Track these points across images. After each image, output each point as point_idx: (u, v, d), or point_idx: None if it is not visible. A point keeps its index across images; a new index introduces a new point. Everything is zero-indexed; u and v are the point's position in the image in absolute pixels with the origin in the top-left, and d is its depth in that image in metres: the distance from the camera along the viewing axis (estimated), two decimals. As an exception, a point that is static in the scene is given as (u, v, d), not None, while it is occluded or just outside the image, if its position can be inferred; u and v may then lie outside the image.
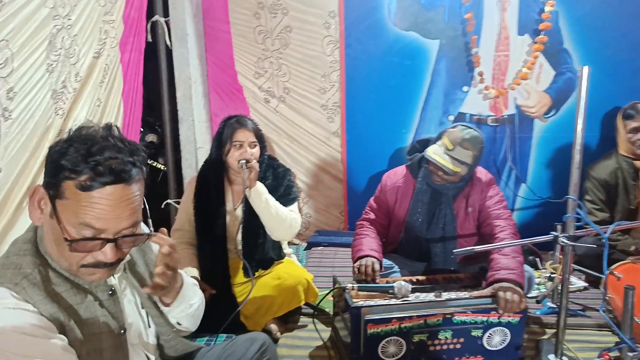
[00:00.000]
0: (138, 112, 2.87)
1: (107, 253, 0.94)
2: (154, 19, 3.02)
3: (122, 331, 1.07)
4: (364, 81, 3.11)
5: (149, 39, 3.02)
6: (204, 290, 2.08)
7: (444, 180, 2.05)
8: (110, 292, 1.06)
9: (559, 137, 3.00)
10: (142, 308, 1.16)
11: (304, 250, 3.22)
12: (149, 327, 1.18)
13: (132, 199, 0.94)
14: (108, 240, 0.93)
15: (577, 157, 1.71)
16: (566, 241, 1.68)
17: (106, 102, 2.46)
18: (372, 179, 3.27)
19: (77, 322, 0.98)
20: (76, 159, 0.89)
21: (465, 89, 3.01)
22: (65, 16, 2.04)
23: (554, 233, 1.73)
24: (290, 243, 3.25)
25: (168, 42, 3.05)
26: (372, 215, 2.27)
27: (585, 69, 1.67)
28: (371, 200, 2.33)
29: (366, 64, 3.08)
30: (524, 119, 3.03)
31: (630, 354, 1.41)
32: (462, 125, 2.04)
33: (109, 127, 0.96)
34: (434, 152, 2.01)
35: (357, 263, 2.02)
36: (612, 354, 1.45)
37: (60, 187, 0.90)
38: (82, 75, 2.22)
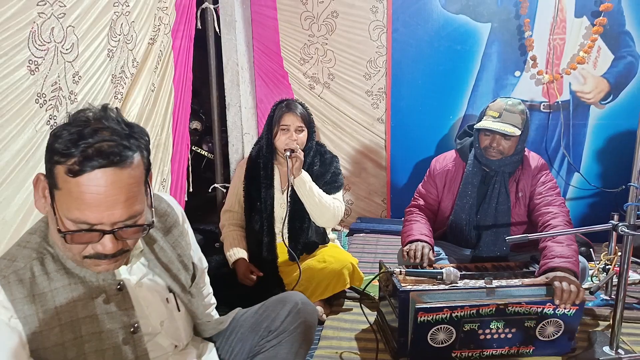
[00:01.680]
0: (188, 98, 2.95)
1: (105, 245, 0.89)
2: (203, 5, 3.08)
3: (132, 328, 1.00)
4: (410, 66, 3.07)
5: (199, 25, 3.08)
6: (252, 273, 2.16)
7: (500, 154, 2.01)
8: (119, 287, 1.00)
9: (616, 124, 2.87)
10: (170, 292, 1.11)
11: (346, 236, 3.24)
12: (179, 310, 1.13)
13: (128, 185, 0.87)
14: (104, 232, 0.87)
15: (641, 143, 1.63)
16: (626, 230, 1.61)
17: (159, 87, 2.54)
18: (417, 166, 3.24)
19: (73, 321, 0.92)
20: (67, 142, 0.84)
21: (517, 73, 2.92)
22: (124, 3, 2.11)
23: (612, 222, 1.67)
24: (332, 229, 3.28)
25: (217, 29, 3.11)
26: (421, 202, 2.26)
27: (654, 51, 1.58)
28: (420, 186, 2.31)
29: (413, 48, 3.03)
30: (579, 105, 2.91)
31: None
32: (501, 97, 2.06)
33: (104, 108, 0.90)
34: (484, 124, 2.00)
35: (407, 247, 2.01)
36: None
37: (53, 174, 0.86)
38: (138, 60, 2.30)
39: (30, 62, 1.53)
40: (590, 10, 2.74)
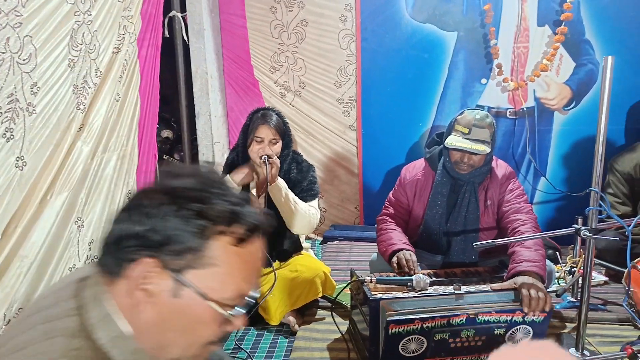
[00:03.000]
0: (155, 107, 2.90)
1: (241, 318, 0.74)
2: (171, 14, 3.04)
3: None
4: (380, 74, 3.10)
5: (166, 34, 3.04)
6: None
7: (470, 167, 2.03)
8: None
9: (579, 130, 2.95)
10: None
11: (320, 244, 3.23)
12: None
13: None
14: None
15: (600, 149, 1.68)
16: (588, 234, 1.65)
17: (124, 97, 2.49)
18: (389, 173, 3.26)
19: None
20: (216, 206, 0.69)
21: (483, 81, 2.98)
22: (85, 12, 2.07)
23: (575, 226, 1.71)
24: (306, 237, 3.26)
25: (185, 37, 3.07)
26: (392, 210, 2.27)
27: (610, 59, 1.63)
28: (390, 194, 2.32)
29: (382, 57, 3.06)
30: (544, 111, 2.98)
31: (655, 348, 1.39)
32: (468, 110, 2.06)
33: (211, 164, 0.80)
34: (454, 141, 1.99)
35: (395, 257, 2.00)
36: (636, 348, 1.43)
37: (203, 252, 0.68)
38: (102, 70, 2.25)
39: (-17, 73, 1.47)
40: (552, 20, 2.82)
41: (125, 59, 2.47)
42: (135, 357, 0.70)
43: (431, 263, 2.20)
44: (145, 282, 0.67)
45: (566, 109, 2.96)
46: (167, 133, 3.89)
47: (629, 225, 1.62)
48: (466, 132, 1.98)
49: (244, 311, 0.74)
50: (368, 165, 3.29)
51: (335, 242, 3.19)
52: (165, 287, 0.68)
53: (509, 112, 3.01)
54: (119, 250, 0.68)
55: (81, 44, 2.07)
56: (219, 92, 3.23)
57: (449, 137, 2.03)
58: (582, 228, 1.68)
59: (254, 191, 2.27)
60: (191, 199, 0.68)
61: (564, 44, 2.84)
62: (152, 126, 2.96)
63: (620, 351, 1.52)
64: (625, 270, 2.06)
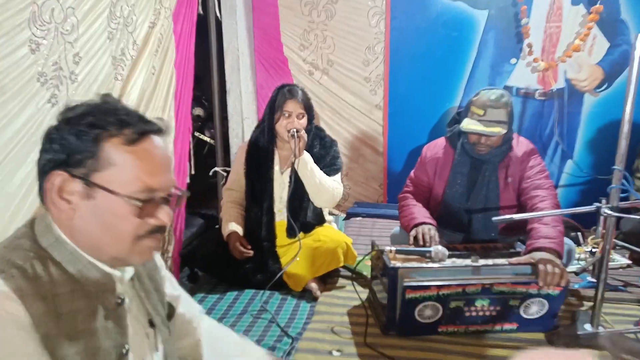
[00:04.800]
0: (190, 82, 2.99)
1: (167, 212, 0.86)
2: (205, -9, 3.11)
3: (124, 350, 0.88)
4: (408, 53, 3.10)
5: (200, 11, 3.11)
6: (244, 246, 2.24)
7: (488, 148, 2.04)
8: (119, 302, 0.89)
9: (610, 112, 2.90)
10: (151, 327, 0.97)
11: (343, 220, 3.29)
12: (157, 350, 0.98)
13: (168, 151, 0.89)
14: (164, 199, 0.86)
15: (625, 127, 1.68)
16: (609, 212, 1.66)
17: (160, 70, 2.58)
18: (413, 152, 3.28)
19: (72, 332, 0.80)
20: (106, 117, 0.81)
21: (513, 61, 2.95)
22: (124, -14, 2.15)
23: (597, 204, 1.72)
24: (330, 213, 3.34)
25: (218, 14, 3.14)
26: (413, 188, 2.31)
27: None
28: (411, 173, 2.36)
29: (412, 35, 3.06)
30: (574, 93, 2.94)
31: (669, 323, 1.41)
32: (484, 90, 2.05)
33: (103, 95, 0.88)
34: (468, 124, 2.01)
35: (414, 231, 2.04)
36: (650, 323, 1.46)
37: (99, 154, 0.80)
38: (138, 43, 2.35)
39: (31, 41, 1.58)
40: (587, -2, 2.76)
41: (161, 33, 2.55)
42: (73, 256, 0.83)
43: (451, 239, 2.24)
44: (62, 193, 0.81)
45: (597, 90, 2.90)
46: (198, 111, 3.99)
47: (651, 204, 1.62)
48: (481, 114, 1.98)
49: (162, 203, 0.85)
50: (393, 144, 3.32)
51: (358, 218, 3.26)
52: (79, 193, 0.81)
53: (538, 93, 2.97)
54: (42, 178, 0.83)
55: (119, 17, 2.16)
56: (250, 69, 3.31)
57: (465, 120, 2.04)
58: (604, 206, 1.69)
59: (277, 167, 2.34)
60: (83, 116, 0.81)
61: (598, 23, 2.77)
62: (187, 101, 3.05)
63: (634, 326, 1.54)
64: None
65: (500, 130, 1.97)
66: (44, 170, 0.82)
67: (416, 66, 3.12)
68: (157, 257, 1.11)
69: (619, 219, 1.72)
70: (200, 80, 3.40)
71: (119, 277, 0.90)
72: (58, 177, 0.80)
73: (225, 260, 2.25)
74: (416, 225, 2.07)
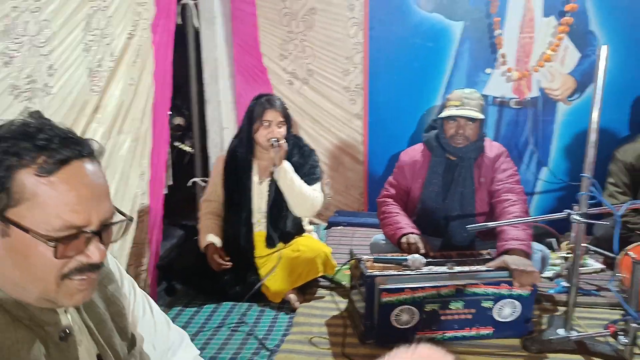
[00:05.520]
0: (168, 92, 2.98)
1: (97, 248, 0.75)
2: (183, 1, 3.12)
3: None
4: (387, 63, 3.14)
5: (179, 21, 3.12)
6: (221, 258, 2.23)
7: (465, 140, 2.12)
8: (63, 335, 0.79)
9: (582, 120, 2.96)
10: None
11: (324, 229, 3.31)
12: None
13: (103, 177, 0.77)
14: (94, 234, 0.74)
15: (592, 135, 1.73)
16: (578, 218, 1.71)
17: (139, 81, 2.58)
18: (393, 161, 3.31)
19: None
20: (22, 141, 0.70)
21: (488, 70, 3.01)
22: (100, -2, 2.15)
23: (567, 211, 1.76)
24: (311, 222, 3.35)
25: (196, 24, 3.15)
26: (392, 191, 2.35)
27: (604, 48, 1.68)
28: (390, 177, 2.41)
29: (390, 45, 3.11)
30: (548, 101, 3.01)
31: (635, 325, 1.45)
32: (457, 89, 2.21)
33: (31, 113, 0.77)
34: (450, 112, 2.11)
35: (404, 239, 2.08)
36: (618, 326, 1.49)
37: (11, 188, 0.69)
38: (116, 55, 2.34)
39: (4, 54, 1.57)
40: (558, 10, 2.84)
41: (140, 44, 2.55)
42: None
43: (430, 246, 2.27)
44: None
45: (570, 99, 2.98)
46: (178, 120, 3.98)
47: (618, 211, 1.67)
48: (458, 104, 2.10)
49: (92, 237, 0.74)
50: (373, 153, 3.35)
51: (339, 227, 3.27)
52: None
53: (513, 102, 3.04)
54: None
55: (96, 29, 2.16)
56: (229, 79, 3.31)
57: (443, 112, 2.14)
58: (573, 213, 1.73)
59: (255, 177, 2.35)
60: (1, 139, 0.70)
61: (569, 34, 2.85)
62: (165, 111, 3.04)
63: (604, 329, 1.58)
64: (617, 257, 2.11)
65: (478, 114, 2.08)
66: None
67: (395, 76, 3.16)
68: (128, 279, 1.01)
69: (589, 224, 1.77)
70: (179, 89, 3.40)
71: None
72: None
73: (203, 273, 2.24)
74: (404, 235, 2.10)
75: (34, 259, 0.72)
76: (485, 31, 2.95)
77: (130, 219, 0.81)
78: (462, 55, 3.02)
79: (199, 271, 2.26)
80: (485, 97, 3.04)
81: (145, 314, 1.02)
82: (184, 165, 3.59)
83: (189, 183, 3.32)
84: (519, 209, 2.01)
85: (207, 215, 2.39)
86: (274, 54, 3.30)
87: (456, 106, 2.10)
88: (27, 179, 0.70)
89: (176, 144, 3.70)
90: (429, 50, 3.05)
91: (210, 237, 2.29)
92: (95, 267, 0.76)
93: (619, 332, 1.50)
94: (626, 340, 1.48)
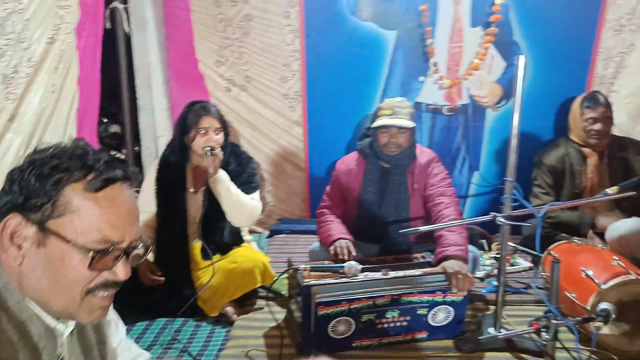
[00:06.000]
0: (95, 100, 2.85)
1: (124, 267, 0.81)
2: (112, 5, 2.99)
3: None
4: (324, 70, 3.16)
5: (108, 25, 2.99)
6: (153, 273, 2.14)
7: (398, 148, 2.17)
8: None
9: (509, 126, 3.10)
10: None
11: (267, 238, 3.27)
12: None
13: (136, 201, 0.85)
14: (125, 252, 0.81)
15: (514, 141, 1.82)
16: (503, 220, 1.78)
17: (61, 88, 2.44)
18: (334, 166, 3.32)
19: None
20: (72, 162, 0.77)
21: (421, 78, 3.10)
22: (16, 0, 2.02)
23: (493, 213, 1.83)
24: (253, 231, 3.30)
25: (127, 29, 3.03)
26: (329, 202, 2.36)
27: (522, 58, 1.77)
28: (327, 188, 2.42)
29: (326, 53, 3.12)
30: (477, 108, 3.14)
31: (555, 322, 1.52)
32: (388, 98, 2.28)
33: (77, 139, 0.85)
34: (381, 121, 2.15)
35: (333, 247, 2.09)
36: (541, 323, 1.57)
37: (58, 200, 0.75)
38: (35, 60, 2.20)
39: None
40: (484, 21, 2.97)
41: (62, 50, 2.42)
42: (20, 305, 0.78)
43: (368, 252, 2.30)
44: (15, 237, 0.76)
45: (497, 106, 3.13)
46: (115, 128, 3.80)
47: (539, 212, 1.75)
48: (389, 113, 2.15)
49: (121, 256, 0.80)
50: (314, 159, 3.36)
51: (281, 235, 3.24)
52: (31, 239, 0.76)
53: (446, 109, 3.15)
54: None
55: (11, 33, 2.02)
56: (163, 85, 3.21)
57: (376, 121, 2.18)
58: (498, 215, 1.80)
59: (190, 186, 2.28)
60: (49, 159, 0.77)
61: (494, 44, 2.99)
62: (93, 119, 2.90)
63: (528, 326, 1.65)
64: (542, 255, 2.23)
65: (409, 123, 2.13)
66: (1, 212, 0.77)
67: (332, 83, 3.18)
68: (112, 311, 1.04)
69: (514, 225, 1.85)
70: (116, 95, 3.25)
71: (61, 332, 0.84)
72: (12, 220, 0.76)
73: (135, 288, 2.13)
74: (334, 241, 2.10)
75: (66, 270, 0.76)
76: (418, 40, 3.04)
77: (150, 245, 0.88)
78: (396, 64, 3.09)
79: (131, 287, 2.15)
80: (419, 104, 3.13)
81: (121, 342, 1.06)
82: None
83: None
84: (453, 211, 2.08)
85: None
86: (211, 60, 3.23)
87: (388, 115, 2.14)
88: (74, 193, 0.76)
89: (113, 152, 3.53)
90: (365, 58, 3.10)
91: None
92: (118, 285, 0.82)
93: (541, 329, 1.57)
94: (548, 337, 1.55)
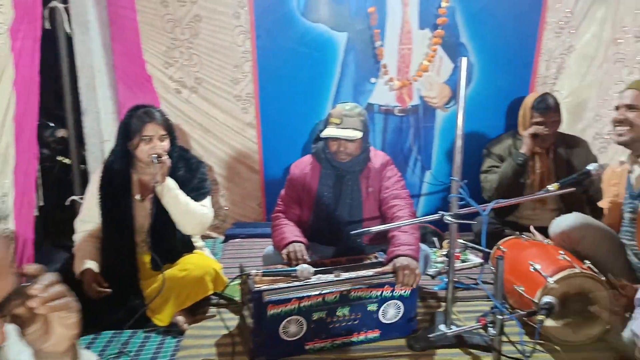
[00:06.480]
0: (34, 103, 2.70)
1: None
2: (51, 4, 2.85)
3: None
4: (276, 72, 3.13)
5: (47, 26, 2.84)
6: (100, 284, 2.05)
7: (348, 156, 2.17)
8: None
9: (458, 126, 3.21)
10: None
11: (222, 243, 3.20)
12: None
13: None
14: None
15: (458, 142, 1.86)
16: (450, 219, 1.82)
17: (-5, 92, 2.30)
18: (288, 169, 3.31)
19: None
20: None
21: (373, 80, 3.13)
22: (-63, -2, 1.88)
23: (440, 212, 1.87)
24: (207, 237, 3.22)
25: (68, 29, 2.89)
26: (284, 207, 2.34)
27: (464, 60, 1.81)
28: (282, 192, 2.40)
29: (278, 55, 3.10)
30: (427, 109, 3.21)
31: (500, 317, 1.57)
32: (340, 103, 2.26)
33: None
34: (329, 132, 2.14)
35: (285, 250, 2.07)
36: (488, 318, 1.61)
37: None
38: (-37, 62, 2.06)
39: None
40: (431, 23, 3.04)
41: (-6, 51, 2.28)
42: None
43: (323, 254, 2.30)
44: None
45: (447, 106, 3.20)
46: (62, 132, 3.63)
47: (484, 210, 1.80)
48: (338, 123, 2.14)
49: None
50: (269, 161, 3.32)
51: (237, 240, 3.19)
52: None
53: (397, 110, 3.19)
54: None
55: None
56: (109, 88, 3.09)
57: (325, 129, 2.17)
58: (446, 214, 1.84)
59: (136, 194, 2.21)
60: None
61: (442, 46, 3.06)
62: (32, 124, 2.75)
63: (476, 322, 1.69)
64: (491, 251, 2.29)
65: (356, 134, 2.13)
66: None
67: (285, 84, 3.16)
68: None
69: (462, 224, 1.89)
70: (62, 99, 3.09)
71: None
72: None
73: (80, 301, 2.03)
74: (287, 245, 2.08)
75: None
76: (368, 42, 3.06)
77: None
78: (348, 65, 3.10)
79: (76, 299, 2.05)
80: (371, 105, 3.16)
81: None
82: (68, 181, 3.28)
83: (67, 202, 3.03)
84: (406, 212, 2.11)
85: (83, 237, 2.19)
86: (159, 61, 3.14)
87: (336, 124, 2.14)
88: None
89: (59, 158, 3.37)
90: (317, 60, 3.10)
91: (87, 263, 2.09)
92: None
93: (488, 324, 1.61)
94: (494, 332, 1.59)
